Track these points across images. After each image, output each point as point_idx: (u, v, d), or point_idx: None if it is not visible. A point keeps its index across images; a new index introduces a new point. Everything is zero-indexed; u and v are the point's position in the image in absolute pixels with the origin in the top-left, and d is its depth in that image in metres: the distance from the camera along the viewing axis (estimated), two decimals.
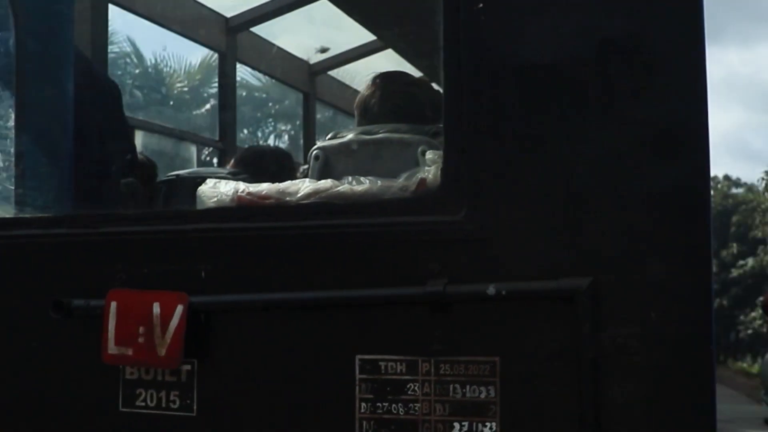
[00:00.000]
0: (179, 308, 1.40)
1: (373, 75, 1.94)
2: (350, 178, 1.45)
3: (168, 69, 14.18)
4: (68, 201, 1.87)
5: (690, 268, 1.27)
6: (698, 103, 1.27)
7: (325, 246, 1.41)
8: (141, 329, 1.42)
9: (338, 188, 1.44)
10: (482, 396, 1.31)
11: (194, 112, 14.33)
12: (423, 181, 1.41)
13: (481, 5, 1.33)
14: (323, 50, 7.47)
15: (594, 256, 1.28)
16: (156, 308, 1.42)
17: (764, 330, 11.10)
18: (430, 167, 1.42)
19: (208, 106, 13.81)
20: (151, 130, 5.86)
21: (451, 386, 1.32)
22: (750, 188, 18.07)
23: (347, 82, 7.12)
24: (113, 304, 1.44)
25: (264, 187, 1.51)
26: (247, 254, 1.46)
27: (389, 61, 5.97)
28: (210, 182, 1.55)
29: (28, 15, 1.85)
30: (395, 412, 1.35)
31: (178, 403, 1.46)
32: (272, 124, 14.75)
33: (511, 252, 1.31)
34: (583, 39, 1.31)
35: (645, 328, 1.26)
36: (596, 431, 1.25)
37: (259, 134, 14.89)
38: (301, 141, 7.57)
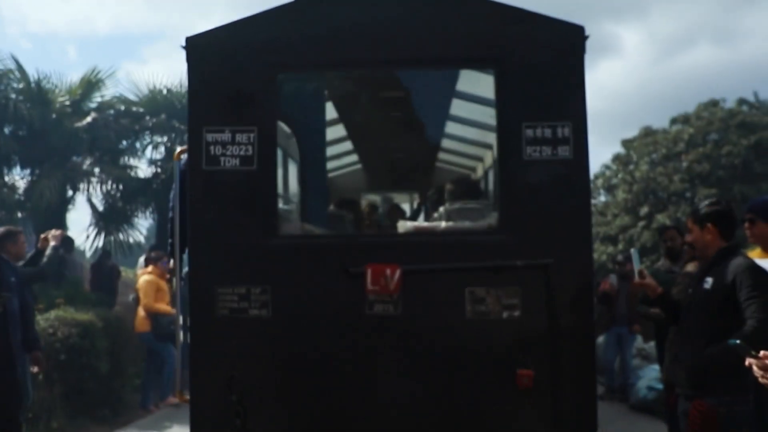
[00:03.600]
0: (398, 271, 3.86)
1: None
2: (463, 220, 4.02)
3: None
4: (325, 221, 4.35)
5: (583, 256, 3.89)
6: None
7: (454, 248, 3.94)
8: (382, 279, 3.86)
9: (457, 224, 4.00)
10: (513, 302, 3.86)
11: None
12: (491, 224, 4.00)
13: (512, 162, 3.91)
14: None
15: (553, 250, 3.85)
16: (387, 271, 3.87)
17: (595, 318, 13.05)
18: (492, 218, 4.01)
19: None
20: None
21: (502, 298, 3.86)
22: None
23: None
24: (369, 270, 3.88)
25: (425, 224, 4.05)
26: (419, 251, 3.95)
27: None
28: (401, 222, 4.08)
29: (307, 133, 4.37)
30: (480, 309, 3.87)
31: (392, 309, 3.91)
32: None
33: (525, 250, 3.87)
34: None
35: (572, 278, 3.86)
36: (553, 314, 3.82)
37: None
38: None
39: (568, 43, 3.90)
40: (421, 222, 4.52)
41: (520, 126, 3.90)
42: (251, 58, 4.00)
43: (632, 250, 4.60)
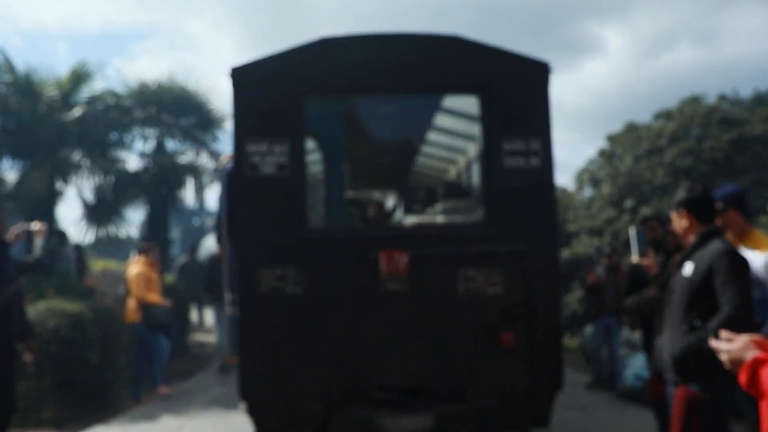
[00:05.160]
0: (405, 256, 5.13)
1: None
2: (455, 216, 5.31)
3: None
4: (342, 218, 5.63)
5: (551, 243, 5.21)
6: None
7: (448, 237, 5.22)
8: (393, 262, 5.11)
9: (452, 219, 5.29)
10: (497, 280, 5.16)
11: None
12: (478, 219, 5.30)
13: (494, 170, 5.21)
14: None
15: (527, 240, 5.15)
16: (398, 257, 5.14)
17: (582, 311, 13.43)
18: (479, 213, 5.31)
19: None
20: None
21: (488, 277, 5.16)
22: (563, 190, 21.49)
23: None
24: (382, 255, 5.14)
25: (424, 217, 5.35)
26: (420, 240, 5.23)
27: None
28: (407, 217, 5.37)
29: (329, 145, 5.63)
30: (471, 286, 5.17)
31: (400, 287, 5.18)
32: None
33: (505, 239, 5.16)
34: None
35: (541, 258, 5.16)
36: (528, 290, 5.12)
37: None
38: None
39: (536, 75, 5.20)
40: (422, 218, 5.82)
41: (500, 141, 5.19)
42: (285, 84, 5.23)
43: (631, 229, 5.11)
